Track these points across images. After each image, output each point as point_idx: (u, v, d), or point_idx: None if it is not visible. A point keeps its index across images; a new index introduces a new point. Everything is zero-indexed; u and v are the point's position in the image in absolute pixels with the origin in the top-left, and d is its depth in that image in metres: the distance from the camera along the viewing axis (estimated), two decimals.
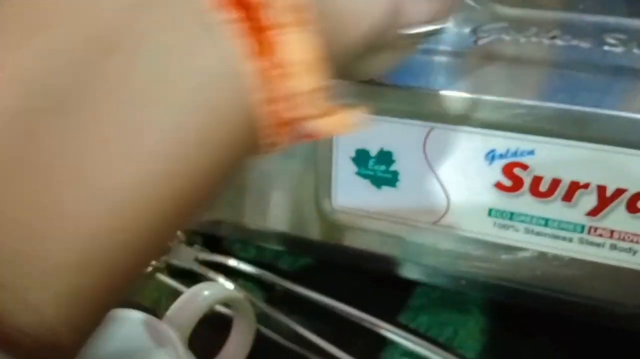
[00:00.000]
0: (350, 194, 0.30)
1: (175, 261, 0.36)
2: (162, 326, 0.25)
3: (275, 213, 0.32)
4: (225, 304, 0.30)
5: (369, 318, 0.32)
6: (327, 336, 0.31)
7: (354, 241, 0.31)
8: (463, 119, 0.25)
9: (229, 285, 0.33)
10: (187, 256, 0.36)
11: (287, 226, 0.32)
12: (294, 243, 0.33)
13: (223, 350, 0.30)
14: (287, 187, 0.31)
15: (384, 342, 0.32)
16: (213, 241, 0.37)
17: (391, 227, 0.30)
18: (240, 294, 0.30)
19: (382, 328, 0.32)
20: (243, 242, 0.37)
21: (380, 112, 0.26)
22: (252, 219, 0.33)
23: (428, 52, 0.25)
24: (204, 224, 0.36)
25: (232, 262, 0.35)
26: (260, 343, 0.30)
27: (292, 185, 0.31)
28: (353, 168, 0.29)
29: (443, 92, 0.24)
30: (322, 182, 0.30)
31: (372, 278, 0.33)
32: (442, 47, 0.25)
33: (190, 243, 0.38)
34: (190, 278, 0.35)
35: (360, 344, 0.32)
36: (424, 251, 0.30)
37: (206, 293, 0.28)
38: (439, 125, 0.26)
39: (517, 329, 0.32)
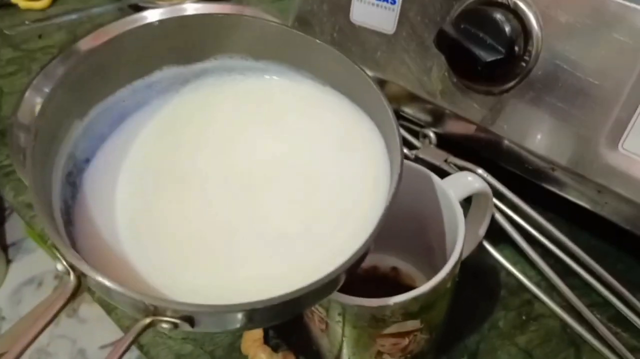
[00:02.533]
0: None
1: (425, 157, 0.39)
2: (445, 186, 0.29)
3: (548, 137, 0.32)
4: None
5: None
6: None
7: (626, 190, 0.30)
8: None
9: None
10: (437, 156, 0.38)
11: (556, 152, 0.32)
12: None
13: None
14: (568, 113, 0.31)
15: None
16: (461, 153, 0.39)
17: None
18: (489, 189, 0.31)
19: None
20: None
21: None
22: (517, 136, 0.33)
23: None
24: (457, 136, 0.38)
25: (481, 172, 0.36)
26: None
27: (575, 112, 0.30)
28: None
29: None
30: (618, 119, 0.29)
31: None
32: None
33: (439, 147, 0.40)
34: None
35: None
36: None
37: (470, 178, 0.30)
38: None
39: None
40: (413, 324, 0.26)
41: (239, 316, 0.20)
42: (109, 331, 1.07)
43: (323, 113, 0.28)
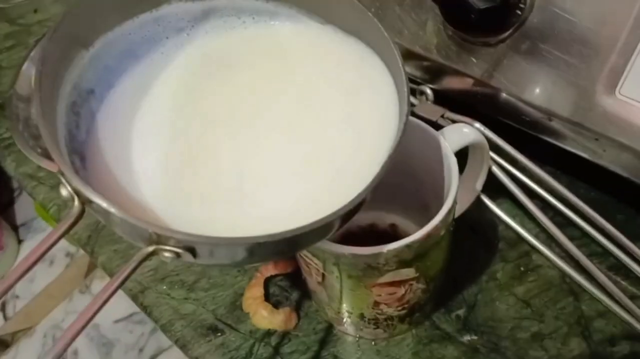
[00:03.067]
0: None
1: (422, 113, 0.38)
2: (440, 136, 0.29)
3: (545, 86, 0.31)
4: None
5: None
6: None
7: (624, 136, 0.29)
8: None
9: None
10: (434, 112, 0.38)
11: (553, 102, 0.31)
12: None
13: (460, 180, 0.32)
14: (565, 61, 0.30)
15: None
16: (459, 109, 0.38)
17: None
18: (485, 141, 0.31)
19: None
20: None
21: None
22: (515, 87, 0.33)
23: None
24: (454, 91, 0.38)
25: (479, 125, 0.35)
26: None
27: (572, 60, 0.30)
28: None
29: None
30: (615, 65, 0.28)
31: None
32: None
33: (435, 103, 0.40)
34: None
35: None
36: None
37: (466, 130, 0.30)
38: None
39: None
40: (408, 272, 0.26)
41: (240, 249, 0.21)
42: (122, 306, 1.09)
43: (335, 56, 0.28)
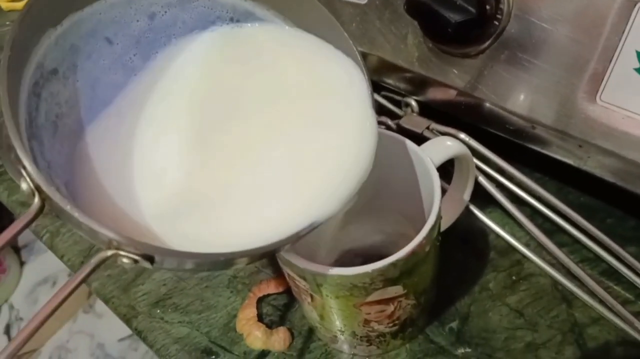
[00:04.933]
0: (621, 90, 0.28)
1: (408, 126, 0.38)
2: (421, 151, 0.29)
3: (526, 95, 0.31)
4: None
5: None
6: None
7: (607, 142, 0.29)
8: None
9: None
10: (419, 124, 0.38)
11: (535, 110, 0.31)
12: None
13: (448, 192, 0.33)
14: (545, 69, 0.30)
15: None
16: (445, 119, 0.39)
17: None
18: (469, 152, 0.31)
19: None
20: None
21: None
22: (496, 97, 0.33)
23: None
24: (438, 102, 0.38)
25: (464, 136, 0.35)
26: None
27: (551, 68, 0.30)
28: (634, 63, 0.27)
29: None
30: (594, 72, 0.28)
31: None
32: None
33: (421, 115, 0.40)
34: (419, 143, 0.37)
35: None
36: None
37: (449, 142, 0.30)
38: None
39: None
40: (395, 290, 0.26)
41: (191, 262, 0.22)
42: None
43: (310, 63, 0.28)
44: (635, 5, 0.27)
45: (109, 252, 0.20)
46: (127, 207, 0.24)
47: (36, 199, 0.20)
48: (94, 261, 0.20)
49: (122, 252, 0.20)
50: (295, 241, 0.23)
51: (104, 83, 0.27)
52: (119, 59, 0.28)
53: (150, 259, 0.20)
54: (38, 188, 0.20)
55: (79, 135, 0.26)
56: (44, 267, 1.31)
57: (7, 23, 0.59)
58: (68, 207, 0.19)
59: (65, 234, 0.43)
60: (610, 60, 0.28)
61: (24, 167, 0.20)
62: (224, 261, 0.22)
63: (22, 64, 0.23)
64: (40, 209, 0.20)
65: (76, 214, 0.19)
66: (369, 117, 0.25)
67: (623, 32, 0.27)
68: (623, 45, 0.28)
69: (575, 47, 0.29)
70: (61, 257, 0.43)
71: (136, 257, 0.20)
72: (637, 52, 0.27)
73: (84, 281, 0.20)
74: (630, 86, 0.28)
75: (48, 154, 0.23)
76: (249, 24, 0.29)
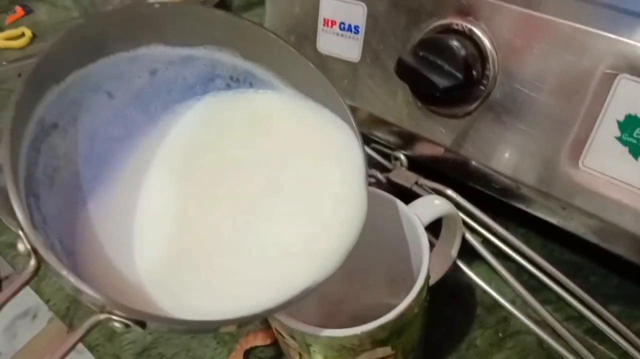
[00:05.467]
0: (603, 157, 0.29)
1: (397, 180, 0.39)
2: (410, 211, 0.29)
3: (511, 156, 0.32)
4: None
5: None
6: None
7: (590, 205, 0.30)
8: None
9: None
10: (408, 179, 0.39)
11: (519, 171, 0.32)
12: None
13: (435, 247, 0.33)
14: (529, 133, 0.31)
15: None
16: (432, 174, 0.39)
17: (635, 202, 0.29)
18: (457, 211, 0.32)
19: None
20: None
21: None
22: (482, 156, 0.34)
23: None
24: (426, 158, 0.39)
25: (451, 193, 0.36)
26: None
27: (536, 132, 0.31)
28: (615, 132, 0.28)
29: None
30: (576, 138, 0.30)
31: None
32: None
33: (410, 169, 0.41)
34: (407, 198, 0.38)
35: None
36: None
37: (437, 202, 0.30)
38: None
39: None
40: (384, 351, 0.26)
41: (182, 327, 0.23)
42: None
43: (307, 127, 0.29)
44: (615, 77, 0.28)
45: (102, 316, 0.20)
46: (122, 265, 0.24)
47: (32, 261, 0.20)
48: (86, 324, 0.20)
49: (114, 317, 0.20)
50: (288, 306, 0.23)
51: (102, 136, 0.28)
52: (118, 113, 0.28)
53: (142, 324, 0.20)
54: (35, 250, 0.20)
55: (75, 189, 0.26)
56: (24, 299, 1.26)
57: (4, 63, 0.60)
58: (64, 273, 0.19)
59: (52, 277, 0.42)
60: (592, 128, 0.29)
61: (22, 229, 0.20)
62: (214, 327, 0.22)
63: (24, 122, 0.23)
64: (36, 271, 0.21)
65: (72, 279, 0.19)
66: (362, 186, 0.26)
67: (604, 102, 0.29)
68: (605, 114, 0.29)
69: (558, 114, 0.30)
70: (47, 302, 0.42)
71: (128, 322, 0.20)
72: (617, 121, 0.28)
73: (76, 344, 0.20)
74: (612, 153, 0.29)
75: (43, 208, 0.24)
76: (250, 90, 0.30)
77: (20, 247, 0.20)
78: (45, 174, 0.25)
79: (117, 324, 0.20)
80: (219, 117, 0.29)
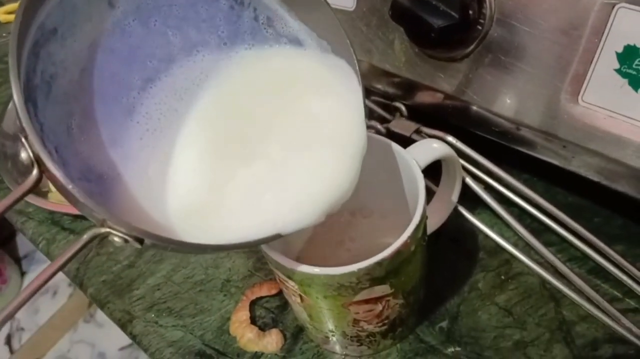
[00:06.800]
0: (602, 91, 0.29)
1: (396, 129, 0.39)
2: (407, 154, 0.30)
3: (511, 97, 0.32)
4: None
5: None
6: None
7: (590, 141, 0.30)
8: None
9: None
10: (408, 128, 0.39)
11: (520, 112, 0.32)
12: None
13: (437, 193, 0.34)
14: (528, 72, 0.31)
15: None
16: (434, 123, 0.39)
17: (637, 136, 0.28)
18: (455, 154, 0.31)
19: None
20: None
21: None
22: (482, 100, 0.33)
23: None
24: (426, 106, 0.38)
25: (451, 139, 0.36)
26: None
27: (534, 71, 0.31)
28: (614, 64, 0.28)
29: None
30: (575, 74, 0.29)
31: None
32: None
33: (410, 119, 0.40)
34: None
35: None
36: None
37: (435, 145, 0.30)
38: None
39: None
40: (382, 289, 0.27)
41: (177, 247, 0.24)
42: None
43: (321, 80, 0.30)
44: (613, 7, 0.27)
45: (102, 230, 0.21)
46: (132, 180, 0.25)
47: (35, 171, 0.21)
48: (86, 236, 0.21)
49: (114, 231, 0.21)
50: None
51: (101, 47, 0.27)
52: (118, 23, 0.28)
53: (140, 241, 0.21)
54: (38, 159, 0.20)
55: (72, 99, 0.26)
56: None
57: (4, 34, 0.60)
58: (70, 187, 0.20)
59: (61, 241, 0.43)
60: (591, 62, 0.29)
61: (26, 137, 0.20)
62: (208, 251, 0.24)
63: (28, 27, 0.23)
64: (38, 180, 0.21)
65: (76, 192, 0.20)
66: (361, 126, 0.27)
67: (602, 34, 0.28)
68: (603, 46, 0.28)
69: (557, 50, 0.30)
70: None
71: (127, 237, 0.21)
72: (616, 53, 0.28)
73: (76, 254, 0.21)
74: (611, 87, 0.28)
75: (41, 117, 0.24)
76: (269, 46, 0.30)
77: (24, 155, 0.20)
78: (43, 81, 0.24)
79: (116, 239, 0.21)
80: (240, 77, 0.30)
